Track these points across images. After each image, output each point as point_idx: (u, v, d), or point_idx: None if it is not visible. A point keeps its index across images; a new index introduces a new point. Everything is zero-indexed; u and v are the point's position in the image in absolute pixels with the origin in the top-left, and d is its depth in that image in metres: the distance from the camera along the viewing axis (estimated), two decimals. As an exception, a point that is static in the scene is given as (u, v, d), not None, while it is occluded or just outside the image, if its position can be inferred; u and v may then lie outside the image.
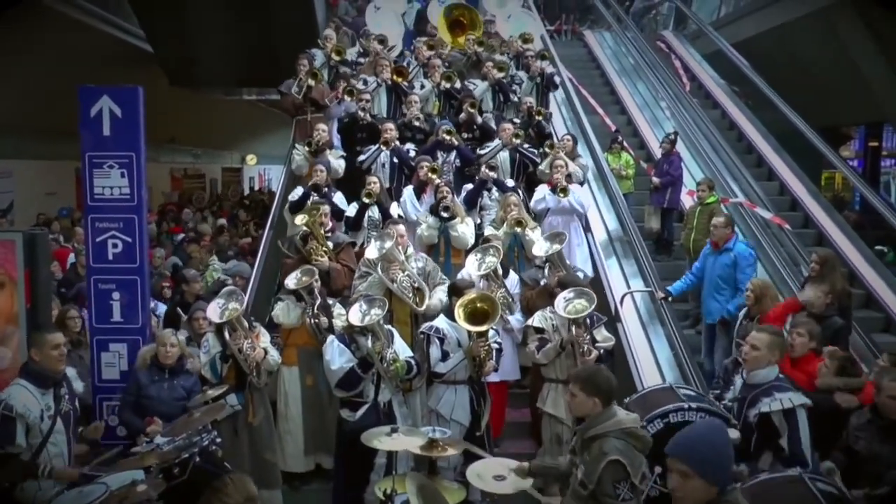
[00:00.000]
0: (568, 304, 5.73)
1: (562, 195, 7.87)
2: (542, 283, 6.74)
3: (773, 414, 4.50)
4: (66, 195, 15.26)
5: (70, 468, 4.82)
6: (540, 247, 6.75)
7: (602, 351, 5.80)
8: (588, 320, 5.83)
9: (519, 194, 7.92)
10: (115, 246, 6.14)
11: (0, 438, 4.54)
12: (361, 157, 8.58)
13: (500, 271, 6.64)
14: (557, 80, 10.76)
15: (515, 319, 6.74)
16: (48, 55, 12.71)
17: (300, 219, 7.10)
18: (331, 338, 5.91)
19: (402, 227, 6.96)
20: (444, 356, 5.75)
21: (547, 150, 8.62)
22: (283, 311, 6.32)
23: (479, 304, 5.64)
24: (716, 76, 14.02)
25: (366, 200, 7.66)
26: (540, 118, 9.23)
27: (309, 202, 7.67)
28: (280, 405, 6.34)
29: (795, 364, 5.46)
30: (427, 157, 8.29)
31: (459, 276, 6.56)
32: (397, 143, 8.58)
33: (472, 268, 6.44)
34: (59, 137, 14.11)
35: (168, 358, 5.73)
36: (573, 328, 5.72)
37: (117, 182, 6.12)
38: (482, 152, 8.64)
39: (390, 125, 8.61)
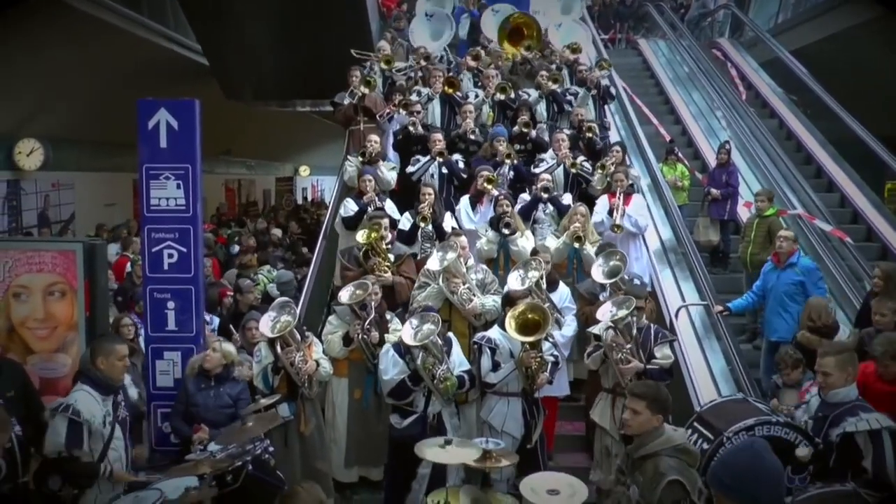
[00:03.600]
0: (613, 315, 5.70)
1: (617, 231, 7.72)
2: (601, 297, 6.62)
3: (857, 434, 4.31)
4: (125, 206, 15.59)
5: (126, 472, 4.91)
6: (598, 271, 6.52)
7: (657, 367, 5.65)
8: (652, 335, 5.78)
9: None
10: (170, 256, 6.21)
11: (69, 443, 4.61)
12: (411, 169, 8.58)
13: (544, 285, 6.53)
14: (613, 91, 10.65)
15: (561, 335, 6.63)
16: (108, 70, 13.00)
17: (361, 236, 7.04)
18: (387, 346, 5.90)
19: (464, 239, 6.92)
20: (496, 367, 5.70)
21: (599, 170, 8.48)
22: (330, 345, 6.29)
23: (529, 315, 5.58)
24: (773, 84, 13.78)
25: (421, 224, 7.57)
26: (591, 135, 9.06)
27: (366, 217, 7.58)
28: (328, 414, 6.38)
29: None
30: (487, 166, 8.19)
31: (509, 286, 6.50)
32: (447, 153, 8.56)
33: (514, 284, 6.30)
34: (118, 150, 14.52)
35: (209, 362, 5.73)
36: (608, 333, 5.67)
37: (173, 193, 6.20)
38: (536, 171, 8.52)
39: (439, 136, 8.58)
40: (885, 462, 4.24)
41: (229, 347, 5.93)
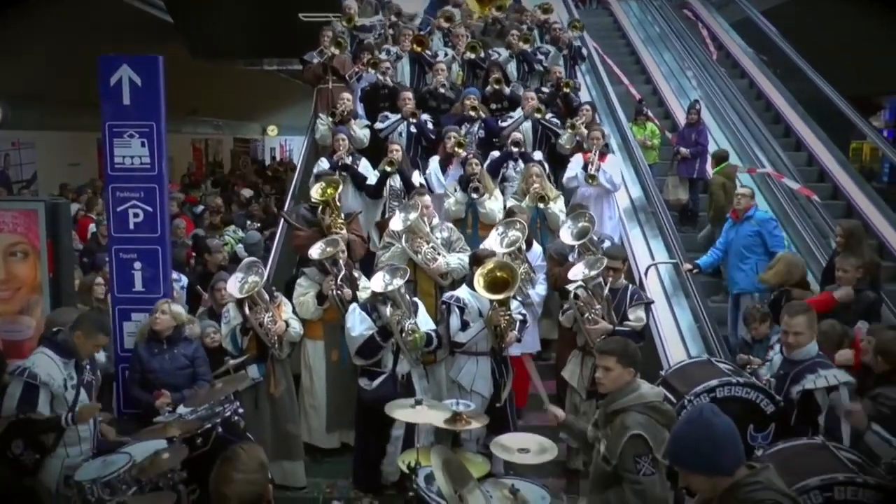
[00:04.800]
0: (585, 275, 5.74)
1: (591, 182, 7.71)
2: (570, 258, 6.63)
3: (816, 391, 4.36)
4: (89, 166, 15.32)
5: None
6: (567, 233, 6.50)
7: (628, 329, 5.61)
8: (628, 296, 5.81)
9: (544, 167, 7.75)
10: (136, 216, 6.08)
11: (23, 405, 4.58)
12: (380, 125, 8.48)
13: (524, 246, 6.51)
14: (584, 51, 10.60)
15: (536, 294, 6.65)
16: (70, 27, 12.70)
17: (317, 192, 6.91)
18: (353, 305, 5.84)
19: (427, 198, 6.82)
20: (465, 326, 5.70)
21: (569, 129, 8.41)
22: (304, 307, 6.18)
23: (498, 273, 5.58)
24: (743, 45, 13.77)
25: (387, 169, 7.55)
26: (568, 90, 9.02)
27: (318, 173, 7.51)
28: (304, 379, 6.31)
29: None
30: (455, 128, 8.13)
31: (481, 246, 6.47)
32: (418, 112, 8.45)
33: (494, 244, 6.26)
34: (82, 109, 14.16)
35: (159, 324, 5.59)
36: (580, 292, 5.71)
37: (138, 151, 6.05)
38: (504, 124, 8.48)
39: (408, 94, 8.49)
40: (840, 417, 4.25)
41: (177, 308, 5.83)
